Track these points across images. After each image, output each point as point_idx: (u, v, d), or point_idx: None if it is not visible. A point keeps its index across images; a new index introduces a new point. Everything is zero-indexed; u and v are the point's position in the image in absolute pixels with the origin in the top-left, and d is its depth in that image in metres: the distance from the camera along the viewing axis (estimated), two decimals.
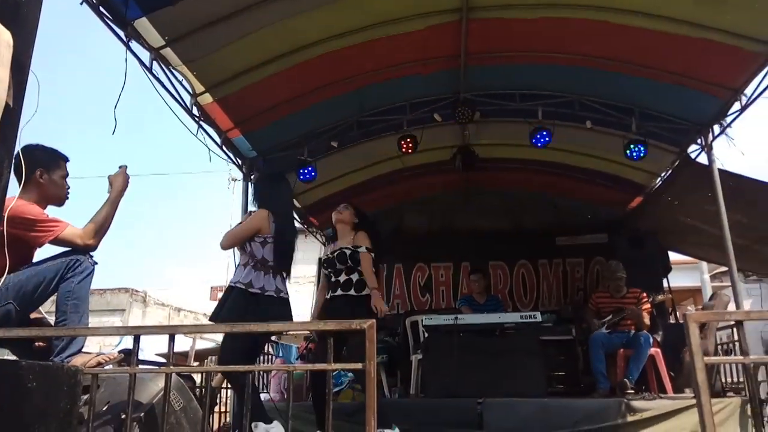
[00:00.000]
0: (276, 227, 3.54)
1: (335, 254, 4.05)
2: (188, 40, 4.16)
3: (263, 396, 5.92)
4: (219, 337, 10.85)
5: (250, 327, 1.96)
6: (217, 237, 3.61)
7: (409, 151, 5.83)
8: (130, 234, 42.29)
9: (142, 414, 2.22)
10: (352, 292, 3.96)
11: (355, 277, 3.99)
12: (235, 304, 3.38)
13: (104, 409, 2.29)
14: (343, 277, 4.00)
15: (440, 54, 5.12)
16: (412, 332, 6.49)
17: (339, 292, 3.98)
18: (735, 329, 5.02)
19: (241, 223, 3.75)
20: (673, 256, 8.52)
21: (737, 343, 5.57)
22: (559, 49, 5.00)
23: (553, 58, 5.12)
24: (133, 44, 3.95)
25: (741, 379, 5.35)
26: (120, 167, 2.98)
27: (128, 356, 2.26)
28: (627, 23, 4.47)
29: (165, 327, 1.84)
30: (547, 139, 5.59)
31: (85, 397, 2.17)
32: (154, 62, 4.14)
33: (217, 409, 6.22)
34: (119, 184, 2.93)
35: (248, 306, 3.34)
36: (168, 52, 4.20)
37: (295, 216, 7.38)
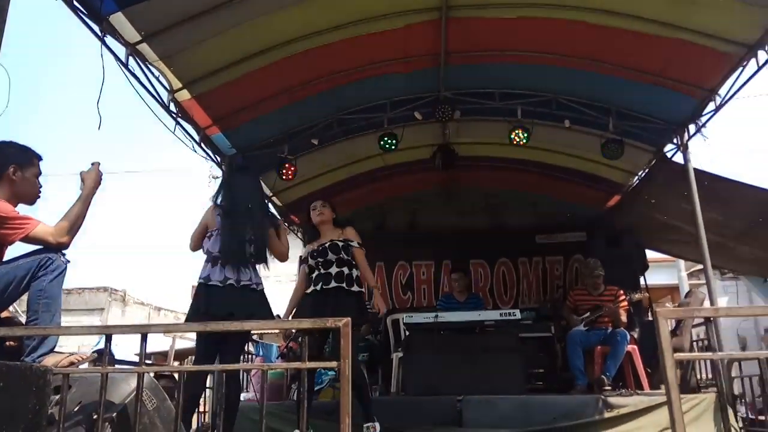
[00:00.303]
0: (221, 220, 3.57)
1: (327, 245, 4.03)
2: (165, 35, 4.11)
3: (244, 395, 5.90)
4: None
5: (224, 326, 1.95)
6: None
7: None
8: (110, 232, 41.75)
9: (114, 414, 2.19)
10: (344, 285, 3.95)
11: (346, 270, 3.98)
12: (193, 299, 3.47)
13: (76, 409, 2.25)
14: (334, 269, 3.97)
15: (420, 52, 5.13)
16: (393, 330, 6.51)
17: (332, 284, 3.93)
18: (706, 327, 5.11)
19: None
20: (651, 254, 8.65)
21: (706, 341, 5.68)
22: (537, 48, 5.03)
23: (531, 57, 5.15)
24: (109, 39, 3.89)
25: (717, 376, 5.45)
26: (92, 164, 2.94)
27: (102, 356, 2.24)
28: (604, 23, 4.52)
29: (136, 326, 1.82)
30: (525, 138, 5.64)
31: (56, 397, 2.13)
32: (130, 58, 4.08)
33: (201, 408, 6.17)
34: (91, 180, 2.89)
35: (199, 298, 3.42)
36: (144, 48, 4.14)
37: (276, 214, 7.38)
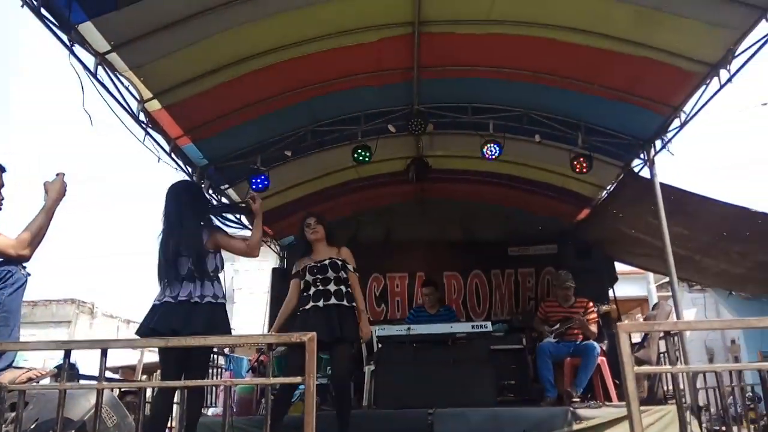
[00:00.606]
0: None
1: (327, 263, 4.05)
2: (135, 45, 4.06)
3: (212, 410, 5.80)
4: None
5: (186, 341, 1.92)
6: None
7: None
8: (79, 241, 40.84)
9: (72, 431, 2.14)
10: (345, 302, 3.99)
11: (343, 288, 4.03)
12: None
13: (32, 427, 2.20)
14: (333, 287, 4.00)
15: (394, 66, 5.17)
16: (365, 343, 6.47)
17: (332, 300, 3.95)
18: (673, 338, 5.21)
19: None
20: (622, 267, 8.82)
21: (678, 352, 5.79)
22: (508, 64, 5.12)
23: (503, 73, 5.23)
24: (78, 49, 3.84)
25: (682, 387, 5.55)
26: (57, 174, 2.89)
27: (61, 371, 2.18)
28: (572, 41, 4.62)
29: (96, 341, 1.78)
30: (497, 151, 5.72)
31: (13, 414, 2.08)
32: (99, 67, 4.03)
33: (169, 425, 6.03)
34: (55, 191, 2.83)
35: (144, 319, 3.41)
36: (114, 58, 4.09)
37: (249, 226, 7.31)
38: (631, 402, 1.95)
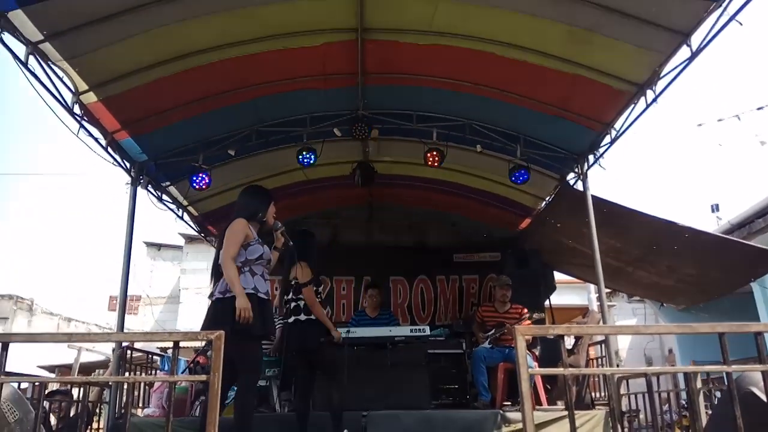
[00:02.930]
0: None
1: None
2: (70, 36, 3.98)
3: (146, 411, 5.69)
4: (108, 350, 10.30)
5: (91, 337, 1.90)
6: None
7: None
8: (19, 238, 39.15)
9: None
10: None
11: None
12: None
13: None
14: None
15: (338, 71, 5.22)
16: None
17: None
18: (601, 344, 5.42)
19: None
20: (564, 277, 9.08)
21: (604, 358, 6.02)
22: (451, 75, 5.24)
23: (445, 83, 5.34)
24: (7, 37, 3.73)
25: (607, 393, 5.76)
26: None
27: None
28: (511, 56, 4.77)
29: None
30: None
31: None
32: (31, 56, 3.92)
33: (95, 425, 5.88)
34: None
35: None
36: (47, 47, 3.99)
37: (191, 224, 7.21)
38: (524, 401, 2.05)
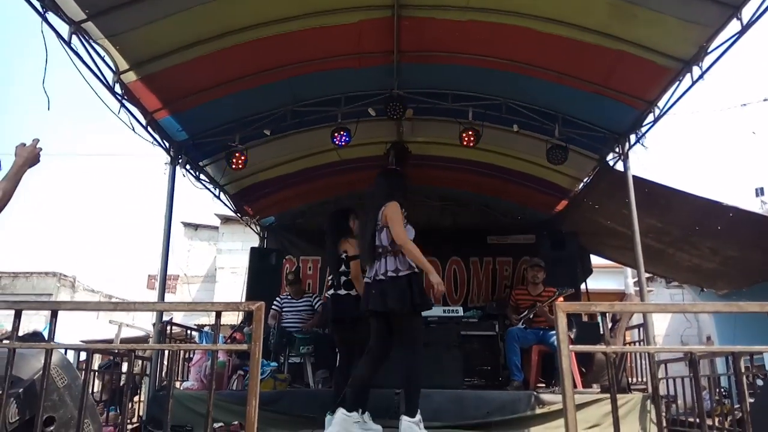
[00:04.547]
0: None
1: None
2: (112, 14, 4.03)
3: (185, 384, 5.85)
4: (148, 326, 10.62)
5: (135, 306, 1.95)
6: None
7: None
8: (62, 217, 40.50)
9: (20, 390, 2.18)
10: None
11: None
12: None
13: None
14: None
15: (373, 49, 5.17)
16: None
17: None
18: (639, 328, 5.32)
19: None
20: (600, 261, 8.92)
21: (642, 342, 5.90)
22: (487, 52, 5.13)
23: (482, 61, 5.24)
24: (51, 17, 3.82)
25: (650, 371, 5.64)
26: (33, 140, 2.88)
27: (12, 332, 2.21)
28: (550, 32, 4.64)
29: (47, 303, 1.81)
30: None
31: None
32: (74, 36, 4.00)
33: (136, 398, 6.08)
34: (22, 158, 2.81)
35: None
36: (90, 26, 4.07)
37: (227, 203, 7.30)
38: (564, 379, 2.03)
